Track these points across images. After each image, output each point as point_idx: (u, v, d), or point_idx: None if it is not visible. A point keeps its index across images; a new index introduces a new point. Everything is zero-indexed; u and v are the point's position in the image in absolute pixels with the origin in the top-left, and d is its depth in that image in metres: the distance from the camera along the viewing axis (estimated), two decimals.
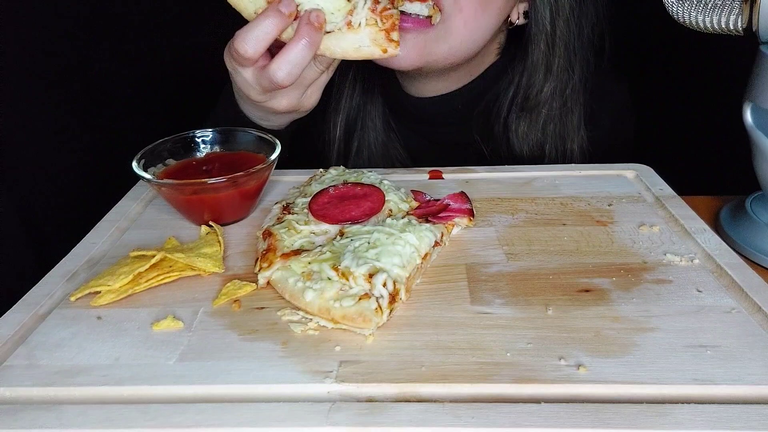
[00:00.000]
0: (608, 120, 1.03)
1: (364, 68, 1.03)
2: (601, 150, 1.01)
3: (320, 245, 0.61)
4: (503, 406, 0.44)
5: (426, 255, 0.61)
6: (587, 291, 0.58)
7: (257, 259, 0.62)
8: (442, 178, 0.83)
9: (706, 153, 1.33)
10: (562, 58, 0.95)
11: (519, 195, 0.77)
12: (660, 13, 0.71)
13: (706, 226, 0.68)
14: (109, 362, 0.50)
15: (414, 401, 0.45)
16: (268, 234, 0.64)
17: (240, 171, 0.67)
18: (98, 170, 1.32)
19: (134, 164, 0.70)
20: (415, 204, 0.70)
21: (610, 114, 1.04)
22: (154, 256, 0.60)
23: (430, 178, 0.83)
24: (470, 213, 0.69)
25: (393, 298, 0.54)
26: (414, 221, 0.64)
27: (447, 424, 0.43)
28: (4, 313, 0.57)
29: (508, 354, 0.49)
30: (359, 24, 0.68)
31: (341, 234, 0.63)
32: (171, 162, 0.75)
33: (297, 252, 0.60)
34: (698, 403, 0.44)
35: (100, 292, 0.58)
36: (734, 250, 0.64)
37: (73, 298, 0.58)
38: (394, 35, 0.68)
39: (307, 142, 1.04)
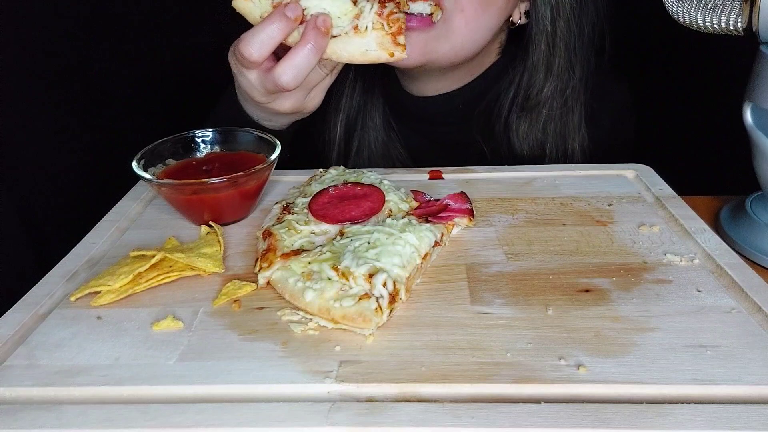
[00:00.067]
0: (608, 120, 1.03)
1: (364, 68, 1.03)
2: (601, 150, 1.01)
3: (320, 245, 0.61)
4: (503, 406, 0.44)
5: (426, 255, 0.61)
6: (587, 291, 0.58)
7: (257, 259, 0.62)
8: (442, 178, 0.83)
9: (706, 153, 1.33)
10: (563, 58, 0.95)
11: (519, 195, 0.77)
12: (660, 13, 0.71)
13: (706, 226, 0.68)
14: (109, 362, 0.50)
15: (414, 401, 0.45)
16: (268, 234, 0.64)
17: (240, 171, 0.67)
18: (98, 170, 1.32)
19: (134, 164, 0.70)
20: (415, 204, 0.70)
21: (610, 114, 1.04)
22: (154, 256, 0.60)
23: (430, 178, 0.83)
24: (470, 213, 0.69)
25: (393, 298, 0.54)
26: (414, 221, 0.64)
27: (447, 424, 0.43)
28: (4, 313, 0.57)
29: (508, 354, 0.49)
30: (366, 28, 0.68)
31: (341, 234, 0.63)
32: (171, 162, 0.75)
33: (297, 252, 0.60)
34: (698, 403, 0.44)
35: (100, 292, 0.58)
36: (734, 250, 0.64)
37: (73, 298, 0.58)
38: (401, 39, 0.68)
39: (307, 142, 1.04)
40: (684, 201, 0.74)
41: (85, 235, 0.70)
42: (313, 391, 0.47)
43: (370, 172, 0.76)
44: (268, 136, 0.75)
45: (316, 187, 0.72)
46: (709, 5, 0.68)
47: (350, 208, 0.66)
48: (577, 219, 0.71)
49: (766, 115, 0.69)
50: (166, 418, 0.44)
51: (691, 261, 0.62)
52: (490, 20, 0.87)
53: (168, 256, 0.61)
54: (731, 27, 0.67)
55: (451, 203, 0.71)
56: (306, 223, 0.65)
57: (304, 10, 0.68)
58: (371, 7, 0.68)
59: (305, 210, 0.67)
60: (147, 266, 0.59)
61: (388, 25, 0.68)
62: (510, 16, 0.93)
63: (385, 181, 0.73)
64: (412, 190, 0.73)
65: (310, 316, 0.54)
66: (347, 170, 0.77)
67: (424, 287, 0.59)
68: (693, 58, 1.30)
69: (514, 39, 0.99)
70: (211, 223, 0.70)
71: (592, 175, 0.83)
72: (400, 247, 0.59)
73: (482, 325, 0.53)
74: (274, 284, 0.59)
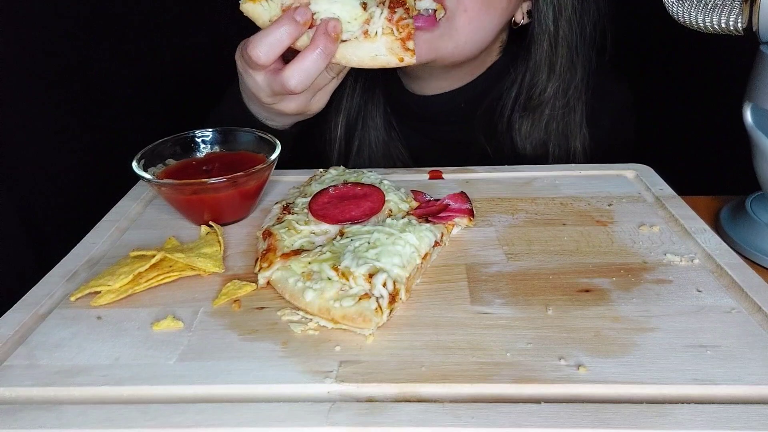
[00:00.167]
0: (608, 120, 1.03)
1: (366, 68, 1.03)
2: (601, 150, 1.01)
3: (320, 245, 0.61)
4: (503, 406, 0.44)
5: (426, 255, 0.61)
6: (587, 291, 0.58)
7: (257, 259, 0.62)
8: (442, 178, 0.83)
9: (706, 153, 1.33)
10: (565, 58, 0.95)
11: (519, 195, 0.77)
12: (660, 13, 0.71)
13: (706, 226, 0.68)
14: (109, 362, 0.50)
15: (414, 401, 0.45)
16: (268, 234, 0.64)
17: (240, 171, 0.67)
18: (98, 170, 1.32)
19: (134, 164, 0.70)
20: (415, 204, 0.70)
21: (611, 114, 1.04)
22: (154, 256, 0.60)
23: (430, 178, 0.83)
24: (470, 213, 0.69)
25: (393, 298, 0.54)
26: (414, 221, 0.64)
27: (447, 424, 0.43)
28: (4, 313, 0.57)
29: (508, 354, 0.49)
30: (376, 33, 0.68)
31: (341, 234, 0.63)
32: (171, 162, 0.75)
33: (297, 252, 0.60)
34: (698, 403, 0.44)
35: (100, 292, 0.58)
36: (734, 250, 0.64)
37: (73, 298, 0.58)
38: (410, 44, 0.68)
39: (308, 141, 1.04)
40: (684, 201, 0.74)
41: (85, 235, 0.70)
42: (313, 391, 0.47)
43: (370, 172, 0.76)
44: (268, 136, 0.75)
45: (316, 187, 0.72)
46: (709, 5, 0.68)
47: (350, 208, 0.66)
48: (577, 219, 0.71)
49: (766, 115, 0.69)
50: (166, 418, 0.44)
51: (691, 261, 0.62)
52: (492, 20, 0.88)
53: (168, 256, 0.61)
54: (731, 27, 0.67)
55: (451, 203, 0.71)
56: (306, 223, 0.65)
57: (313, 14, 0.69)
58: (381, 13, 0.68)
59: (305, 210, 0.67)
60: (147, 266, 0.59)
61: (398, 30, 0.68)
62: (512, 16, 0.93)
63: (385, 181, 0.73)
64: (412, 190, 0.73)
65: (310, 316, 0.54)
66: (347, 170, 0.77)
67: (424, 287, 0.59)
68: (693, 58, 1.30)
69: (515, 38, 0.99)
70: (211, 223, 0.70)
71: (592, 175, 0.83)
72: (400, 247, 0.59)
73: (482, 325, 0.53)
74: (274, 284, 0.59)
